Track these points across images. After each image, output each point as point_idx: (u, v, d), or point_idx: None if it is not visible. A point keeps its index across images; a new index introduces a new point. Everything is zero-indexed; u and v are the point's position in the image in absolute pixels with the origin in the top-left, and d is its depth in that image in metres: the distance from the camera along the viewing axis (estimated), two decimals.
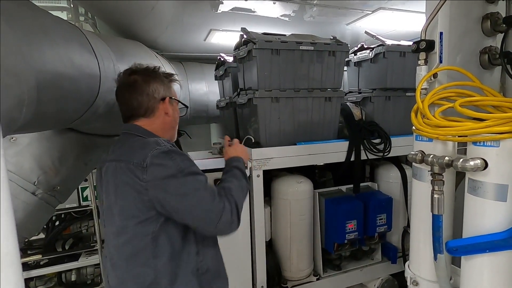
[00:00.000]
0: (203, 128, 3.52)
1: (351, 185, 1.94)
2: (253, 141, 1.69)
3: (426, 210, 0.86)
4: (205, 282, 1.00)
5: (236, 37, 1.82)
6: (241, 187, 1.09)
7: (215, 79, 2.43)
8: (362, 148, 1.79)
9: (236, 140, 1.39)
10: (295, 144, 1.68)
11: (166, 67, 2.26)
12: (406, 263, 1.00)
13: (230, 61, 2.05)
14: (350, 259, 1.97)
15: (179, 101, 1.19)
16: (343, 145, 1.77)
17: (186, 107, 1.30)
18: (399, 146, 1.88)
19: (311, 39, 1.66)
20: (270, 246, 1.83)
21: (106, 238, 1.07)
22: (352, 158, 1.78)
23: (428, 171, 0.84)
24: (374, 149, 1.80)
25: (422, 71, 0.90)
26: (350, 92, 2.13)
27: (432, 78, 0.90)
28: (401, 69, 1.83)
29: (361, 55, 1.98)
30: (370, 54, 1.88)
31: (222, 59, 2.20)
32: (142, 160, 0.92)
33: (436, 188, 0.83)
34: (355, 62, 2.04)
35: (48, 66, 0.97)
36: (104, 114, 1.46)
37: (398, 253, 1.95)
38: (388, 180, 2.03)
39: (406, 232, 1.99)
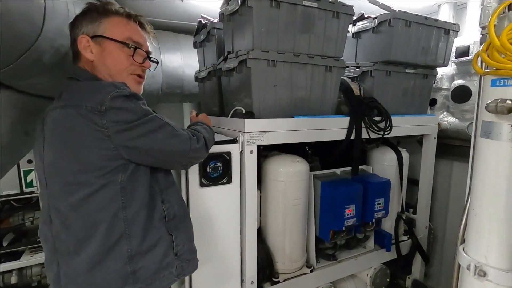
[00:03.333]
0: (175, 108, 3.15)
1: (345, 168, 1.78)
2: (243, 111, 1.43)
3: (503, 178, 0.68)
4: (172, 228, 0.98)
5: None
6: (204, 128, 1.10)
7: (194, 47, 2.11)
8: (363, 125, 1.62)
9: (202, 114, 1.35)
10: (292, 117, 1.46)
11: None
12: (461, 247, 0.82)
13: (215, 21, 1.76)
14: (343, 248, 1.81)
15: (114, 40, 0.92)
16: (344, 121, 1.58)
17: (132, 47, 0.95)
18: (395, 126, 1.74)
19: None
20: (259, 235, 1.60)
21: (51, 202, 0.89)
22: (352, 137, 1.61)
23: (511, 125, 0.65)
24: (375, 127, 1.64)
25: (492, 2, 0.72)
26: (346, 66, 1.94)
27: (506, 11, 0.71)
28: (405, 40, 1.68)
29: (361, 25, 1.80)
30: (373, 23, 1.71)
31: (204, 22, 1.89)
32: (99, 103, 0.80)
33: None
34: (353, 33, 1.86)
35: None
36: (51, 65, 1.10)
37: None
38: (383, 163, 1.90)
39: (400, 218, 1.88)
